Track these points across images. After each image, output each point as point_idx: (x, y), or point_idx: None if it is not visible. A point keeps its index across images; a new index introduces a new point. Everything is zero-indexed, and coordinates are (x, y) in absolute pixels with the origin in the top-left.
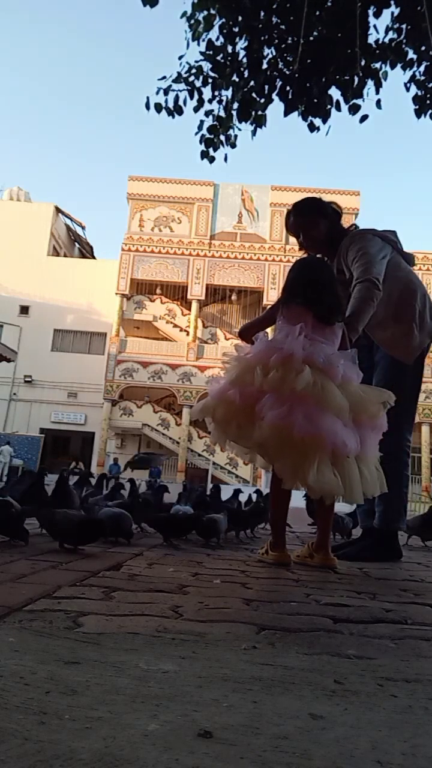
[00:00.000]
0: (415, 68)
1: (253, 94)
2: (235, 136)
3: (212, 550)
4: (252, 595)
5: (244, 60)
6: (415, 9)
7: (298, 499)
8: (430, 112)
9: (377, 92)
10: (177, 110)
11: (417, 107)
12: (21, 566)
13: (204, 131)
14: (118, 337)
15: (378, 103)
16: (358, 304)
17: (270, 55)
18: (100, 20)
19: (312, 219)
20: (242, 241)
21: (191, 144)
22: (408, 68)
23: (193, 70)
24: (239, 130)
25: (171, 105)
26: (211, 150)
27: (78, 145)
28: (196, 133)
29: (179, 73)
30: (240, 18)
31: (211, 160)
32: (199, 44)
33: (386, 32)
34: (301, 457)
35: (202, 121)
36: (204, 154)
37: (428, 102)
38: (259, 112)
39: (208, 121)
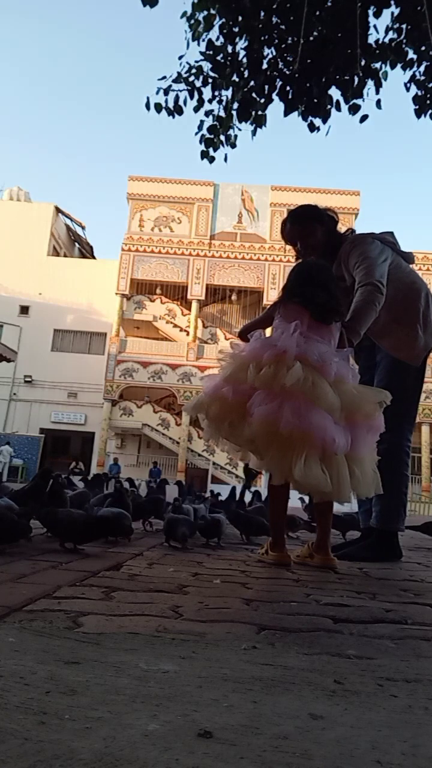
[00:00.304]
0: (415, 68)
1: (253, 94)
2: (235, 136)
3: (212, 550)
4: (252, 595)
5: (244, 60)
6: (415, 9)
7: (296, 500)
8: (430, 112)
9: (377, 92)
10: (177, 110)
11: (417, 107)
12: (21, 566)
13: (204, 131)
14: (118, 337)
15: (378, 103)
16: (360, 306)
17: (270, 55)
18: (100, 20)
19: (309, 226)
20: (242, 241)
21: (191, 144)
22: (408, 68)
23: (193, 70)
24: (239, 130)
25: (171, 105)
26: (211, 150)
27: (78, 145)
28: (196, 133)
29: (179, 73)
30: (240, 18)
31: (211, 160)
32: (199, 44)
33: (386, 32)
34: (289, 451)
35: (202, 121)
36: (204, 154)
37: (428, 102)
38: (259, 112)
39: (208, 121)
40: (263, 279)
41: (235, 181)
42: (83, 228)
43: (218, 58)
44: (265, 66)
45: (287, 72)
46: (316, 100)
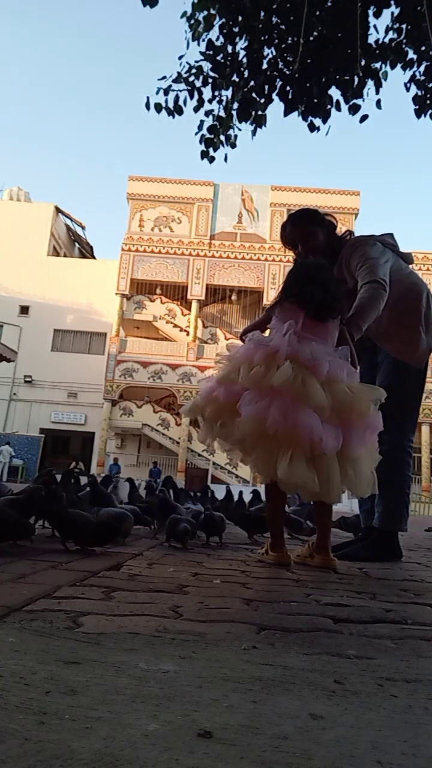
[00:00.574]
0: (415, 68)
1: (253, 94)
2: (235, 136)
3: (212, 550)
4: (252, 595)
5: (244, 60)
6: (415, 9)
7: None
8: (430, 112)
9: (377, 92)
10: (177, 110)
11: (417, 107)
12: (21, 566)
13: (204, 131)
14: (118, 337)
15: (378, 103)
16: (363, 302)
17: (270, 55)
18: (99, 20)
19: (310, 228)
20: (242, 241)
21: (191, 144)
22: (408, 68)
23: (193, 70)
24: (239, 130)
25: (171, 105)
26: (211, 150)
27: (78, 145)
28: (196, 133)
29: (179, 73)
30: (240, 18)
31: (211, 160)
32: (199, 44)
33: (386, 32)
34: (276, 450)
35: (202, 121)
36: (204, 154)
37: (428, 102)
38: (259, 112)
39: (208, 121)
40: (263, 279)
41: (235, 181)
42: (83, 228)
43: (218, 58)
44: (265, 66)
45: (287, 72)
46: (316, 100)
